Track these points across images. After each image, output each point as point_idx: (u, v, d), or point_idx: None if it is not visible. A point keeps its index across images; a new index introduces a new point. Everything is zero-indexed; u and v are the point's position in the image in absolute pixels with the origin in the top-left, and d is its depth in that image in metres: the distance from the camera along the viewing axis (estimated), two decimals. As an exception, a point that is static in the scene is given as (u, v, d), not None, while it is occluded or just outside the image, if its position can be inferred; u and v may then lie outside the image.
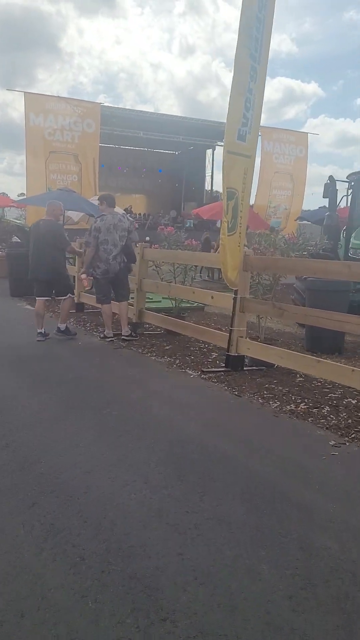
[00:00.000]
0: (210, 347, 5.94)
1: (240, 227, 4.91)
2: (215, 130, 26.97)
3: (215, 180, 31.19)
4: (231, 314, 5.02)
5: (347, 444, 3.31)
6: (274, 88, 69.12)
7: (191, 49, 64.71)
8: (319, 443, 3.31)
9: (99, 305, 6.75)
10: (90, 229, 6.40)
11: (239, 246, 4.93)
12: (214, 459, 3.03)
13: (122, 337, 6.36)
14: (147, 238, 11.21)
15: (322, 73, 79.37)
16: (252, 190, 5.39)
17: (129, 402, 4.10)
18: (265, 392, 4.43)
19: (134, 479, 2.76)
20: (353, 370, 3.79)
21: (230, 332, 5.03)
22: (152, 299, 8.16)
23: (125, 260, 6.43)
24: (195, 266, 8.12)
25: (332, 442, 3.31)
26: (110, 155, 28.12)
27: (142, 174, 31.97)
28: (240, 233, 4.92)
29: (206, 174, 31.41)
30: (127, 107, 27.26)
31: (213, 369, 5.08)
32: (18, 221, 16.95)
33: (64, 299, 6.56)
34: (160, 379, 4.85)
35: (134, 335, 6.40)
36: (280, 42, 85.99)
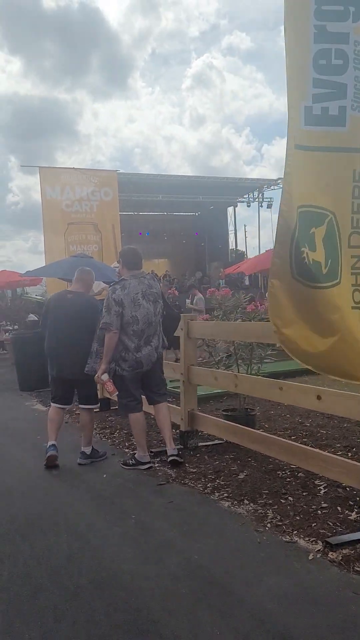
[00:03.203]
0: (310, 472, 3.66)
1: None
2: (235, 187, 25.81)
3: (238, 238, 29.92)
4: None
5: None
6: (284, 147, 69.67)
7: (201, 119, 66.63)
8: None
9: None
10: (106, 304, 4.15)
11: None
12: None
13: (170, 457, 4.15)
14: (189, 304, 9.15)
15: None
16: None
17: None
18: None
19: None
20: None
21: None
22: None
23: (165, 342, 4.37)
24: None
25: None
26: (130, 222, 27.09)
27: (163, 238, 30.88)
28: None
29: (229, 232, 30.20)
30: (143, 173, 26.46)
31: (345, 536, 2.78)
32: (40, 298, 15.30)
33: (84, 408, 4.52)
34: (253, 572, 2.56)
35: (180, 456, 4.19)
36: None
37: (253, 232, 43.38)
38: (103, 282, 11.30)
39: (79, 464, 4.38)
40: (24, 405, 7.17)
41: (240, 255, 28.77)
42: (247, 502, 3.37)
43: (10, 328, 13.48)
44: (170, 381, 7.52)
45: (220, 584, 2.44)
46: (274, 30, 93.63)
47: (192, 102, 65.68)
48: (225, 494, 3.53)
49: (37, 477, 4.13)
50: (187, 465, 4.17)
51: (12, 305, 13.84)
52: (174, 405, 5.15)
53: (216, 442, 4.67)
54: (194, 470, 4.02)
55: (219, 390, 6.16)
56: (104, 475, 4.06)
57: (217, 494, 3.55)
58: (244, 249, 29.67)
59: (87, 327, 4.35)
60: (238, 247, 29.90)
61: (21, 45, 74.54)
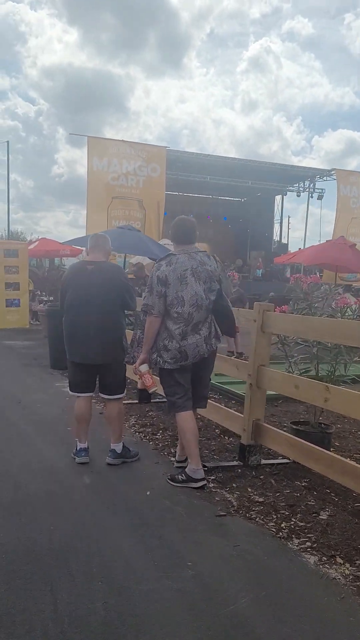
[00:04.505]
0: None
1: None
2: (287, 175, 24.43)
3: (283, 228, 28.71)
4: None
5: None
6: (335, 140, 67.31)
7: (253, 104, 64.71)
8: None
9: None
10: (149, 282, 3.46)
11: None
12: None
13: (200, 483, 3.36)
14: (271, 294, 8.13)
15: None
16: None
17: None
18: None
19: None
20: None
21: None
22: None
23: (218, 332, 3.54)
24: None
25: None
26: (174, 203, 26.16)
27: (206, 222, 29.83)
28: None
29: (275, 222, 28.96)
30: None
31: None
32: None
33: (110, 399, 3.79)
34: None
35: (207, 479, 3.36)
36: (343, 95, 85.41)
37: (294, 225, 42.07)
38: (148, 258, 10.54)
39: (108, 464, 3.70)
40: (54, 386, 6.46)
41: (284, 247, 27.65)
42: (341, 561, 2.51)
43: (45, 299, 12.88)
44: (216, 375, 6.68)
45: None
46: (336, 19, 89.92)
47: (246, 86, 63.83)
48: (309, 543, 2.68)
49: (64, 486, 3.37)
50: (249, 489, 3.34)
51: (48, 276, 13.24)
52: (227, 408, 4.35)
53: (281, 460, 3.82)
54: (261, 500, 3.18)
55: (273, 392, 5.29)
56: (148, 493, 3.26)
57: (296, 541, 2.70)
58: (285, 241, 28.65)
59: (114, 302, 3.65)
60: (280, 239, 28.83)
61: (80, 16, 73.86)
